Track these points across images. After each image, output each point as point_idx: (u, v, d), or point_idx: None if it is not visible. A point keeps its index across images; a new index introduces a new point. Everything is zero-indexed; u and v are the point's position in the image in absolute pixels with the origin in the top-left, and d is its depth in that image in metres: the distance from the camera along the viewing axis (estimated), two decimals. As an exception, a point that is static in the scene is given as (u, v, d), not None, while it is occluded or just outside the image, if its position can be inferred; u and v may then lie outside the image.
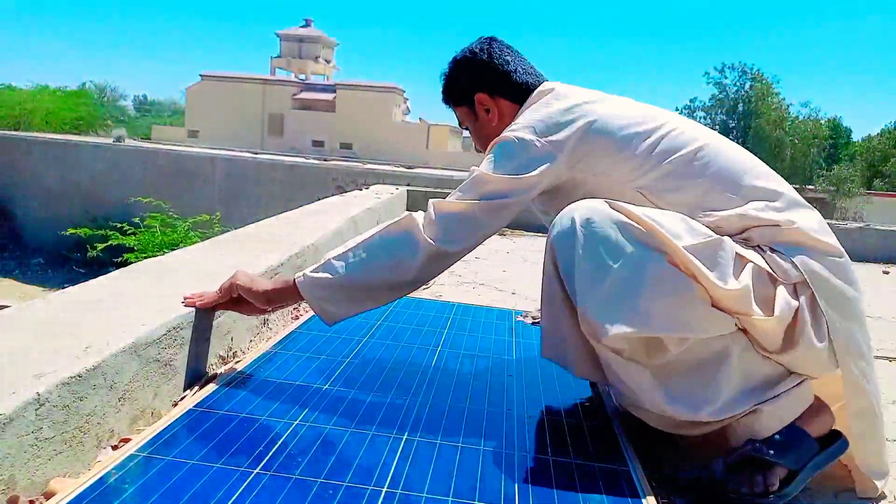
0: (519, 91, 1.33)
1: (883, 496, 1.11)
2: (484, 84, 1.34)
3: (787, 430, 1.04)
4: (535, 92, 1.30)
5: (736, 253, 1.04)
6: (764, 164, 1.21)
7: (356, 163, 19.80)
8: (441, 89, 1.43)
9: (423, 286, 1.28)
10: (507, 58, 1.34)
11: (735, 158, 1.17)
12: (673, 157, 1.15)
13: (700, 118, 26.45)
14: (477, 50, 1.36)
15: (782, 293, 1.03)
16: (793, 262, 1.05)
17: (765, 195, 1.12)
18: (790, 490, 1.02)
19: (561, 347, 1.15)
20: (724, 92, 27.70)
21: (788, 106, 26.81)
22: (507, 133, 1.22)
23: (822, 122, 27.27)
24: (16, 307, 1.17)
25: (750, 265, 1.04)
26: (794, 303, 1.03)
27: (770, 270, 1.05)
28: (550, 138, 1.18)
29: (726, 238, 1.05)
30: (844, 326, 1.05)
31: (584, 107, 1.20)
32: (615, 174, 1.17)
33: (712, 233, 1.06)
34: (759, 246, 1.08)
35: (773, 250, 1.07)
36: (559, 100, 1.24)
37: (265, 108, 30.46)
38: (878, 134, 29.78)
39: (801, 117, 26.81)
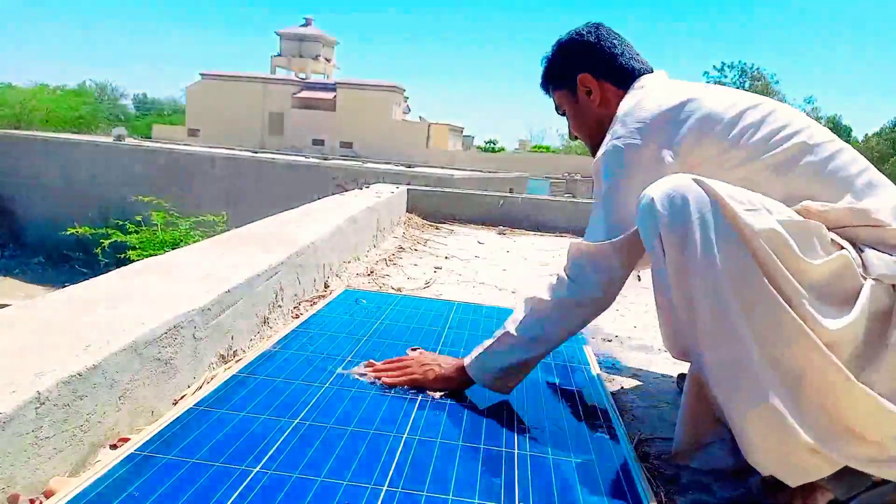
0: (624, 75, 1.28)
1: None
2: (588, 65, 1.31)
3: None
4: (635, 86, 1.26)
5: (831, 239, 0.97)
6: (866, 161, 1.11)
7: (356, 162, 19.79)
8: (541, 73, 1.39)
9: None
10: (615, 41, 1.31)
11: (847, 155, 1.08)
12: (783, 147, 1.07)
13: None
14: (584, 32, 1.33)
15: (870, 288, 0.93)
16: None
17: (872, 193, 1.03)
18: None
19: None
20: (725, 91, 27.70)
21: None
22: (614, 141, 1.17)
23: (822, 121, 27.31)
24: (16, 306, 1.17)
25: (842, 252, 0.95)
26: (885, 301, 0.93)
27: (861, 262, 0.95)
28: (658, 141, 1.13)
29: (818, 224, 0.97)
30: None
31: (689, 104, 1.13)
32: (720, 166, 1.09)
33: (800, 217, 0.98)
34: (858, 245, 0.99)
35: (874, 249, 0.98)
36: (660, 96, 1.17)
37: (265, 106, 30.46)
38: (876, 134, 29.82)
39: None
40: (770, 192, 1.02)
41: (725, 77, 29.12)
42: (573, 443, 1.12)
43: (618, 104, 1.24)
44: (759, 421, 0.89)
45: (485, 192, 4.66)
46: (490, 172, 20.50)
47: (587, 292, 1.17)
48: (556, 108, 1.41)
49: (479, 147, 42.96)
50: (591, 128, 1.33)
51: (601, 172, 1.19)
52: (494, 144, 45.55)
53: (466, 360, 1.26)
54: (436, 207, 4.16)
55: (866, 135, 30.69)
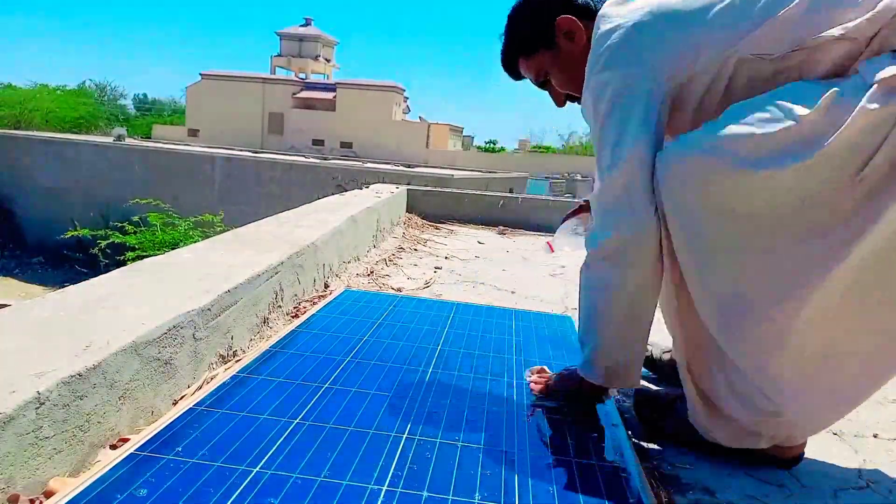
0: (590, 12, 1.17)
1: None
2: (561, 5, 1.19)
3: None
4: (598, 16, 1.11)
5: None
6: None
7: (356, 162, 19.80)
8: (506, 47, 1.27)
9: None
10: None
11: None
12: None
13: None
14: None
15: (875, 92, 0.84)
16: None
17: None
18: None
19: None
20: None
21: None
22: (594, 82, 1.07)
23: None
24: (16, 306, 1.17)
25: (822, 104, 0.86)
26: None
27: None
28: (635, 70, 1.03)
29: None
30: None
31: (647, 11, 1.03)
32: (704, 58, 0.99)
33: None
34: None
35: None
36: (622, 18, 1.05)
37: (265, 107, 30.46)
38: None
39: None
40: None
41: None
42: (573, 443, 1.12)
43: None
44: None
45: (485, 192, 4.66)
46: (490, 172, 20.50)
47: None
48: (535, 80, 1.28)
49: (479, 147, 42.96)
50: (583, 73, 1.15)
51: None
52: (494, 144, 45.54)
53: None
54: (436, 207, 4.16)
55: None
